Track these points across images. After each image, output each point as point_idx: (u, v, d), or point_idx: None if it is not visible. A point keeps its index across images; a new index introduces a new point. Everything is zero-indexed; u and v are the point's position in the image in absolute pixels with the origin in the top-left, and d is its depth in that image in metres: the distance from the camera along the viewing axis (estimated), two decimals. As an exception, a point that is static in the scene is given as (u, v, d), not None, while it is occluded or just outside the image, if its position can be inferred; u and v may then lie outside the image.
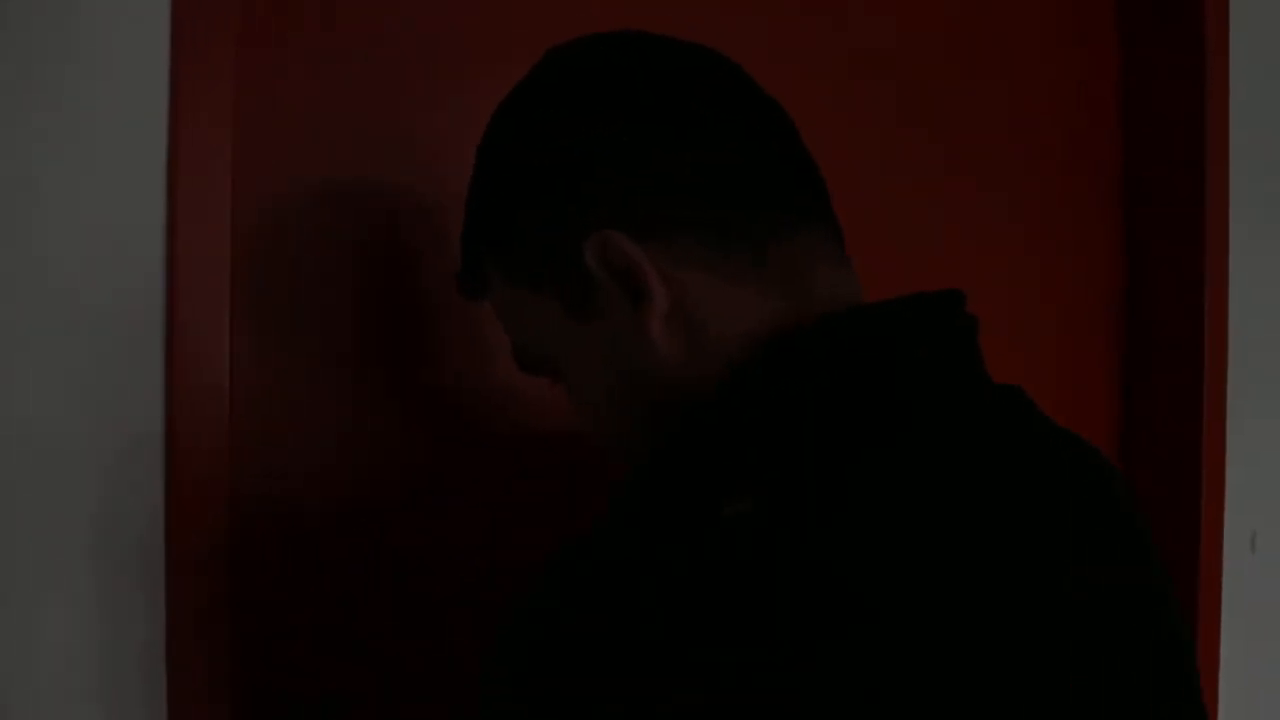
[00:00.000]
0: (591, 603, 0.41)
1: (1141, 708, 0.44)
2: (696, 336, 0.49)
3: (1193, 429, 1.04)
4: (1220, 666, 1.06)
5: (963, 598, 0.40)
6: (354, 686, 0.79)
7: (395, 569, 0.80)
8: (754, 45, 0.91)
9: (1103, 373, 1.10)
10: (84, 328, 0.68)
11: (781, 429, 0.44)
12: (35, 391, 0.67)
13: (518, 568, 0.83)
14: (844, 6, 0.95)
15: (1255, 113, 1.07)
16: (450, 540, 0.81)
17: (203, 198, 0.70)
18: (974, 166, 1.02)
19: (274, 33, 0.76)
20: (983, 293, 1.02)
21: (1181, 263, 1.05)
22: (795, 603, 0.38)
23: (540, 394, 0.83)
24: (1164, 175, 1.07)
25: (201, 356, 0.70)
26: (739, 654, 0.38)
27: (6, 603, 0.66)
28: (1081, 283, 1.09)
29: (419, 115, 0.80)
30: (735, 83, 0.52)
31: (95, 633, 0.69)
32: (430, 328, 0.81)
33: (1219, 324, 1.04)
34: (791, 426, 0.44)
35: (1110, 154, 1.09)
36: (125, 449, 0.69)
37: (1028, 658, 0.40)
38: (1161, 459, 1.07)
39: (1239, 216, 1.05)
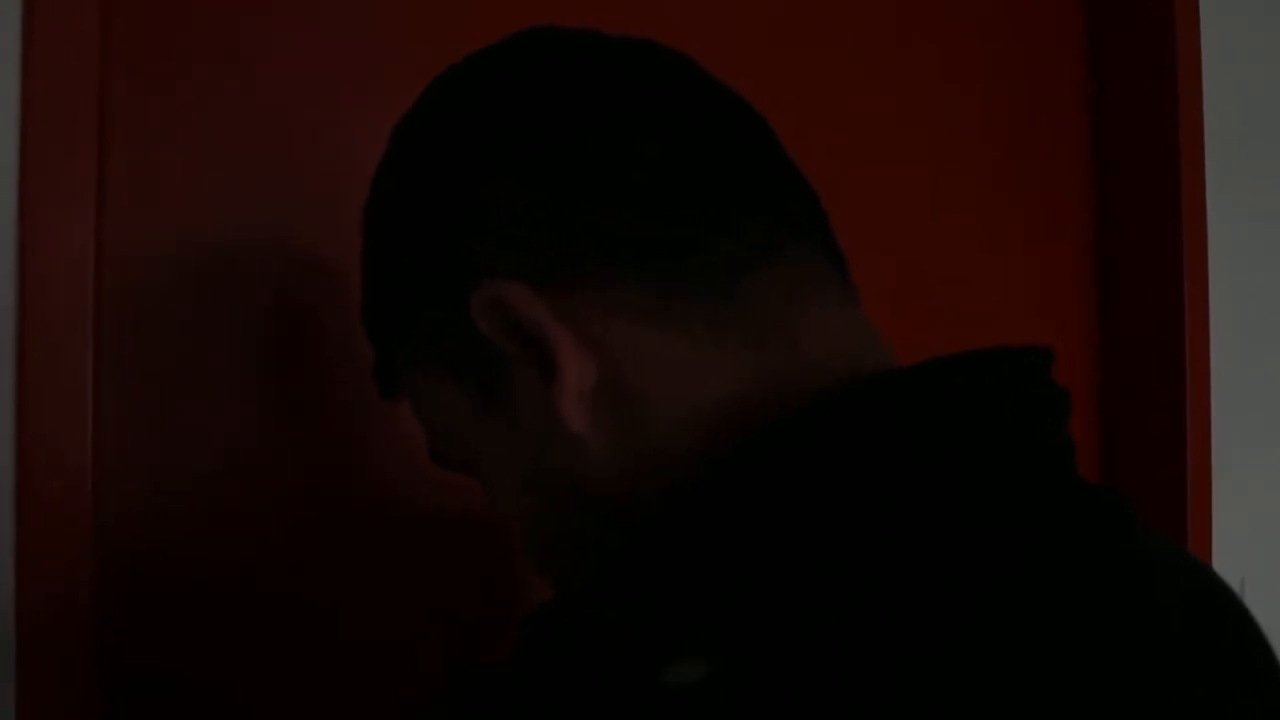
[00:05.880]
0: None
1: None
2: (635, 419, 0.35)
3: (1177, 472, 0.97)
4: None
5: None
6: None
7: (275, 606, 0.73)
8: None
9: (1079, 413, 1.03)
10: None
11: (755, 569, 0.30)
12: None
13: (411, 622, 0.75)
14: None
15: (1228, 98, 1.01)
16: (333, 575, 0.74)
17: (57, 215, 0.64)
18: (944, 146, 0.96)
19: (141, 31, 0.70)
20: (948, 292, 0.96)
21: (1159, 285, 0.99)
22: None
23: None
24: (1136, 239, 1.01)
25: (60, 376, 0.63)
26: None
27: None
28: (1052, 309, 1.02)
29: (312, 132, 0.74)
30: (682, 74, 0.39)
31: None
32: (307, 355, 0.74)
33: (1201, 357, 0.97)
34: (770, 566, 0.30)
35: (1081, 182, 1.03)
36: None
37: None
38: (1144, 504, 1.00)
39: (1218, 216, 0.99)
